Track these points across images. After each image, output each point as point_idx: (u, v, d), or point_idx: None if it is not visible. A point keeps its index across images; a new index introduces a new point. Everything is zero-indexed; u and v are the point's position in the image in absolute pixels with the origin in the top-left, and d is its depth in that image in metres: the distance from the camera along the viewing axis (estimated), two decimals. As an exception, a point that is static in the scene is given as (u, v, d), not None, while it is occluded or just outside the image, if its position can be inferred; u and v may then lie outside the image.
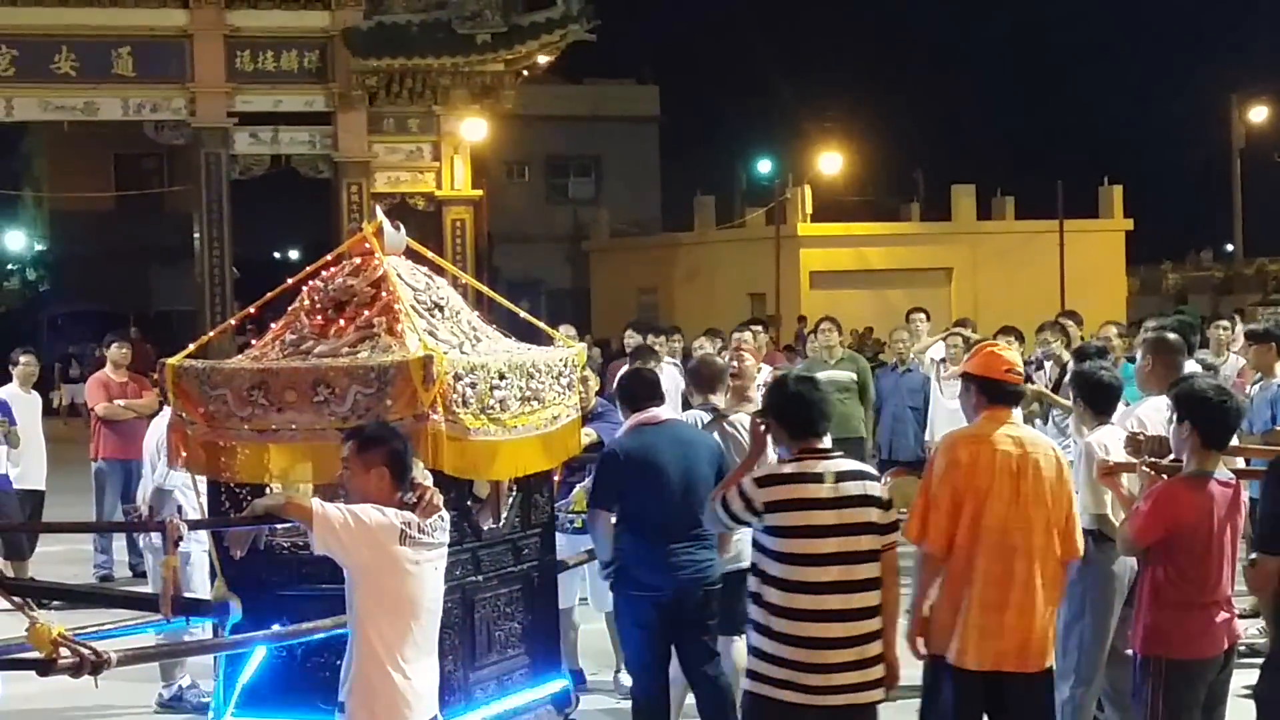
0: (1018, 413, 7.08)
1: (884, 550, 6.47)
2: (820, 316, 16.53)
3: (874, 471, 6.96)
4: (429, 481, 6.26)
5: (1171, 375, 8.30)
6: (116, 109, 27.05)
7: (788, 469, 6.52)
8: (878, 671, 6.45)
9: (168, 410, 10.64)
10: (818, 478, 6.44)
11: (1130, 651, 6.88)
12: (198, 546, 8.80)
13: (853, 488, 6.48)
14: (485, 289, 9.35)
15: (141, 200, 39.51)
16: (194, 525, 6.73)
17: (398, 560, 5.90)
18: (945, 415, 12.92)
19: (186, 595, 6.82)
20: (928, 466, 6.85)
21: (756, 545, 6.59)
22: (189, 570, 9.05)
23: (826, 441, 6.73)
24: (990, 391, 6.77)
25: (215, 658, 7.54)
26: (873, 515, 6.46)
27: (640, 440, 8.39)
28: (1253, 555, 6.48)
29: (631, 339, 15.75)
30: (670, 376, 14.09)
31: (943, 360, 14.43)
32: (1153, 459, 7.02)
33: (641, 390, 8.71)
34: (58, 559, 13.93)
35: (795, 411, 6.63)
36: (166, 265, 38.49)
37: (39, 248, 46.75)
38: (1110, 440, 7.84)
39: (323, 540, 5.89)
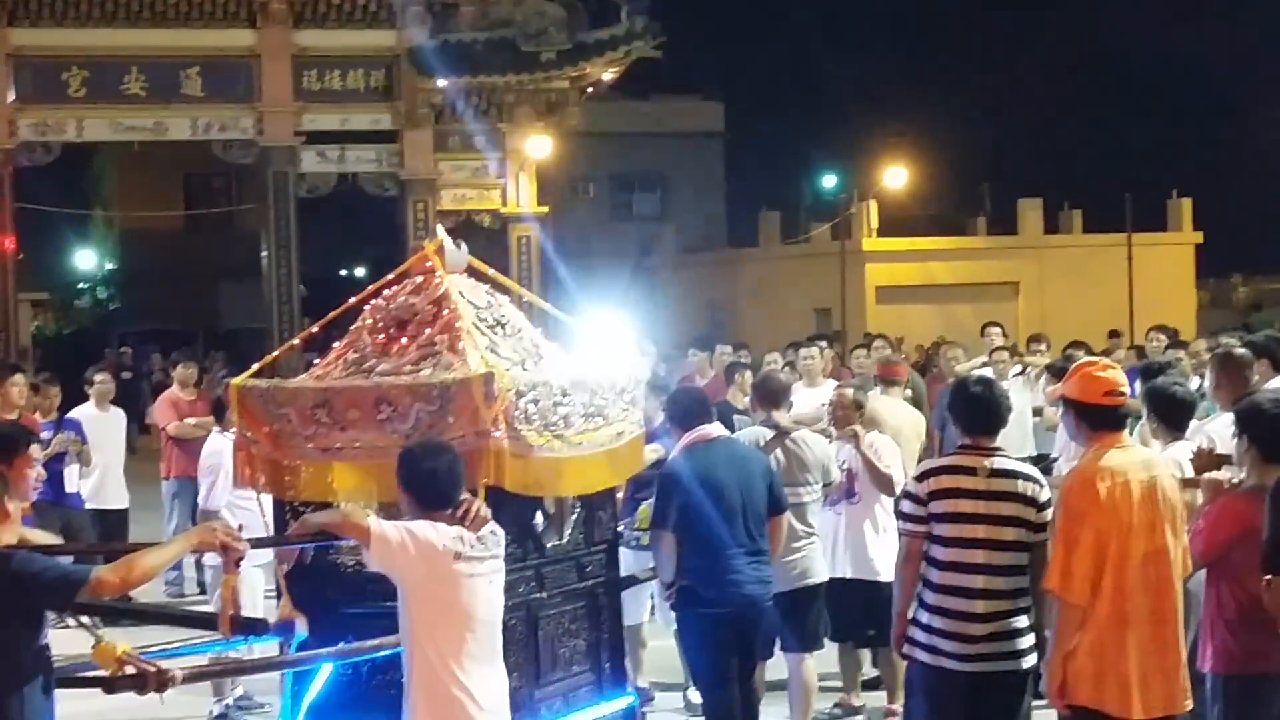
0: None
1: (1036, 546, 6.89)
2: (875, 334, 16.60)
3: (1035, 474, 7.18)
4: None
5: (1240, 390, 8.20)
6: (185, 129, 27.20)
7: (946, 461, 7.23)
8: (1020, 644, 6.92)
9: (215, 434, 10.81)
10: (972, 471, 7.00)
11: (1204, 670, 6.79)
12: (249, 564, 8.83)
13: (1005, 484, 6.98)
14: (548, 306, 9.33)
15: (210, 219, 39.90)
16: (255, 544, 6.74)
17: (452, 575, 5.94)
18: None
19: (246, 615, 6.83)
20: (1058, 509, 6.55)
21: (928, 533, 7.07)
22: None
23: (996, 441, 7.17)
24: (1092, 417, 6.60)
25: (281, 676, 7.56)
26: (1023, 512, 6.94)
27: (697, 459, 8.41)
28: (1266, 577, 6.19)
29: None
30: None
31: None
32: (1212, 474, 6.93)
33: (692, 408, 8.73)
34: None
35: (968, 410, 7.22)
36: (235, 283, 38.83)
37: (109, 267, 47.16)
38: (1184, 456, 7.75)
39: (380, 557, 5.94)
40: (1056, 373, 12.26)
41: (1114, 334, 23.85)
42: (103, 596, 5.77)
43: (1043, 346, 15.93)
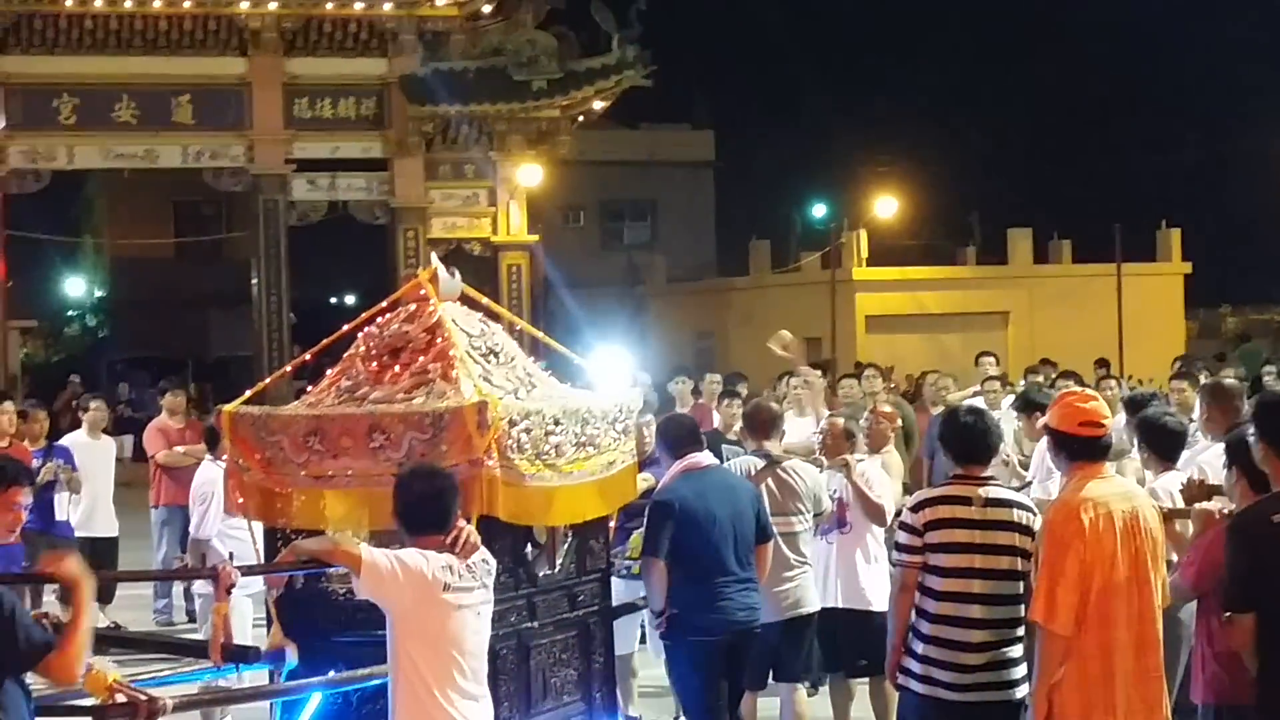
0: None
1: (1029, 575, 6.80)
2: (866, 363, 16.62)
3: (1028, 502, 7.23)
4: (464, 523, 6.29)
5: (1230, 421, 8.21)
6: (176, 156, 27.16)
7: (941, 491, 7.19)
8: (1013, 674, 6.92)
9: (207, 463, 10.79)
10: (966, 500, 7.00)
11: (1195, 701, 6.79)
12: (240, 592, 8.80)
13: (1000, 513, 6.98)
14: (541, 334, 9.33)
15: (200, 247, 39.88)
16: (245, 571, 6.73)
17: (440, 605, 5.94)
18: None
19: (236, 643, 6.82)
20: (1041, 540, 6.56)
21: (924, 563, 7.04)
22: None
23: (988, 470, 7.23)
24: (1070, 447, 6.62)
25: (271, 704, 7.53)
26: (1018, 540, 6.93)
27: (687, 487, 8.42)
28: (1227, 614, 6.23)
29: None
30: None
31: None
32: (1203, 505, 6.94)
33: (682, 436, 8.74)
34: (118, 604, 14.02)
35: (960, 440, 7.22)
36: (225, 311, 38.76)
37: (99, 294, 47.08)
38: (1175, 487, 7.76)
39: (370, 585, 5.94)
40: (1023, 405, 12.30)
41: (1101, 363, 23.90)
42: (49, 675, 5.60)
43: (1040, 377, 16.00)
